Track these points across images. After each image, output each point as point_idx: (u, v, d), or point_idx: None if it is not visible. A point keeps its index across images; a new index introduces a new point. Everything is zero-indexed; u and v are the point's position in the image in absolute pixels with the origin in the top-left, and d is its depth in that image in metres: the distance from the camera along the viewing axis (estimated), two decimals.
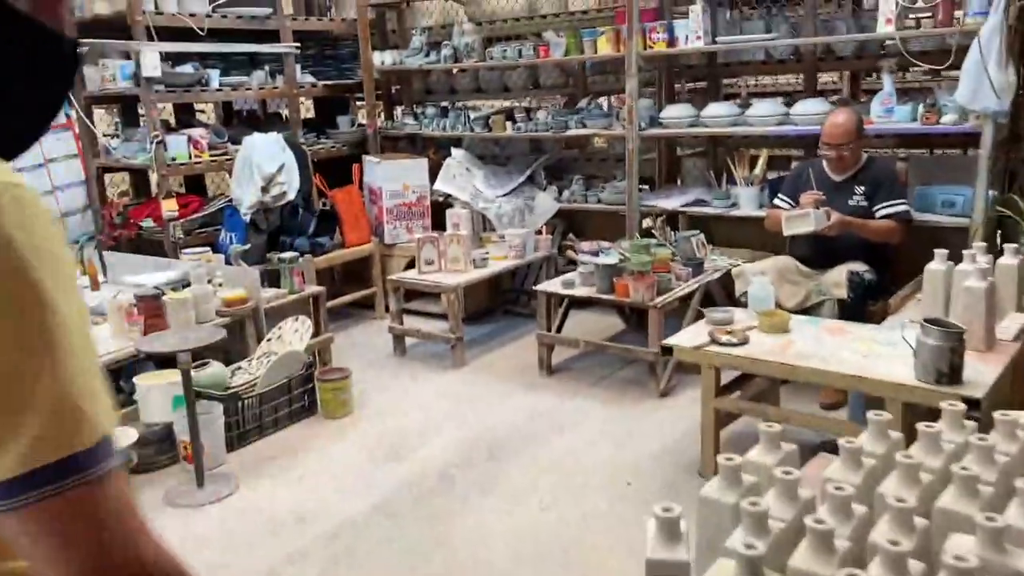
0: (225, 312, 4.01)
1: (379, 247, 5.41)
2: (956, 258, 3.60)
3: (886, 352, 2.87)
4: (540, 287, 4.29)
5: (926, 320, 2.62)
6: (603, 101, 5.29)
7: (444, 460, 3.48)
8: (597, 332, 4.78)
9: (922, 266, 3.95)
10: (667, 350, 3.18)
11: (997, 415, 1.85)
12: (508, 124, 5.42)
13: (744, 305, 3.79)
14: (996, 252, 3.43)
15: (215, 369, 3.72)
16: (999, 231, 3.90)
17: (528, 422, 3.79)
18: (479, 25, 5.84)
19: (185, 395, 3.27)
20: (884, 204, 3.80)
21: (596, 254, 4.34)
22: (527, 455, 3.48)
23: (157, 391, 3.59)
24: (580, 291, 4.16)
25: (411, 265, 5.07)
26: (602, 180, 5.39)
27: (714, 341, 3.11)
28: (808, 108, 4.38)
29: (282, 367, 3.85)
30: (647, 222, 4.86)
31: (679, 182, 5.40)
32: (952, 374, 2.56)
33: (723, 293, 4.33)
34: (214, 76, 5.27)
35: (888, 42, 4.50)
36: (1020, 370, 2.89)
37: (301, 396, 3.94)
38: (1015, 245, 3.29)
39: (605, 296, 4.05)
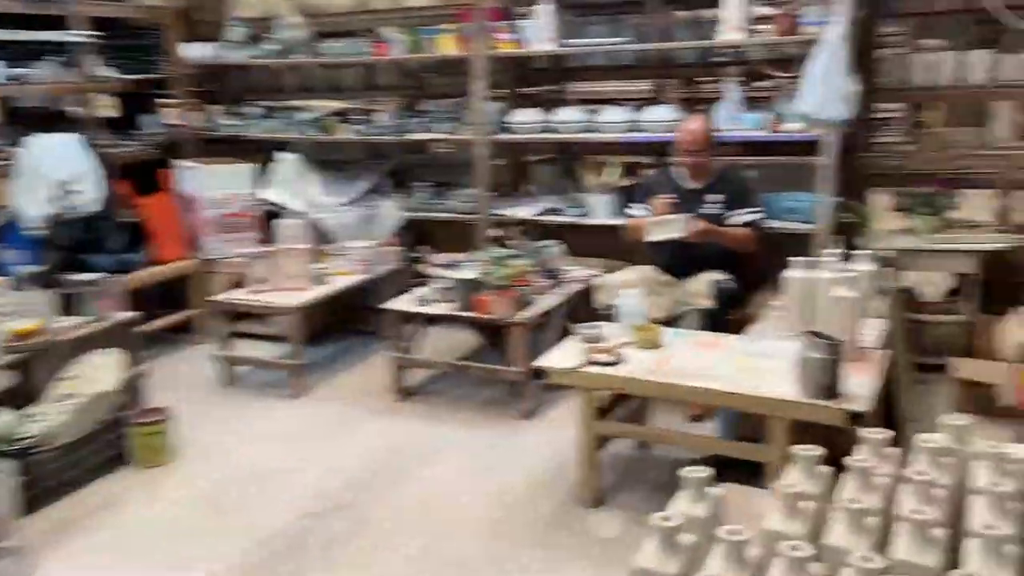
0: (14, 348, 3.33)
1: (199, 263, 4.81)
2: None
3: (761, 365, 2.79)
4: (392, 305, 3.93)
5: (807, 332, 2.55)
6: (446, 104, 5.00)
7: (291, 509, 3.04)
8: (453, 349, 4.49)
9: (769, 272, 4.00)
10: (539, 373, 2.95)
11: (919, 440, 1.75)
12: (344, 126, 5.00)
13: (608, 318, 3.65)
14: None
15: (1, 419, 3.06)
16: (840, 236, 4.01)
17: (385, 456, 3.43)
18: (308, 18, 5.36)
19: None
20: (741, 212, 3.79)
21: (451, 267, 4.05)
22: (387, 495, 3.12)
23: None
24: (436, 308, 3.84)
25: (239, 283, 4.54)
26: (449, 187, 5.10)
27: (589, 361, 2.91)
28: (658, 115, 4.33)
29: (88, 411, 3.25)
30: (492, 231, 4.62)
31: (529, 189, 5.21)
32: (834, 387, 2.50)
33: (582, 304, 4.17)
34: None
35: (729, 50, 4.57)
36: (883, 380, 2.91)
37: (111, 443, 3.34)
38: (868, 251, 3.36)
39: (464, 313, 3.76)
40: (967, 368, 3.50)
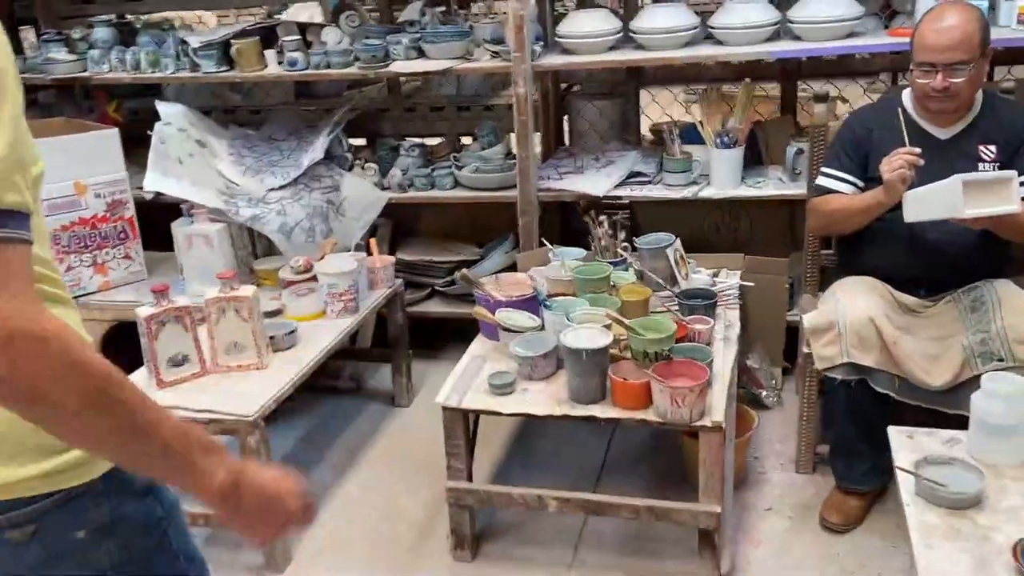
0: None
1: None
2: None
3: None
4: (445, 401, 2.07)
5: None
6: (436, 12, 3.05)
7: None
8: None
9: None
10: None
11: None
12: (268, 55, 2.97)
13: (832, 387, 2.04)
14: None
15: None
16: None
17: None
18: None
19: None
20: None
21: (532, 304, 2.24)
22: None
23: None
24: (532, 405, 2.02)
25: (121, 338, 2.57)
26: (449, 147, 3.22)
27: None
28: (820, 10, 2.62)
29: None
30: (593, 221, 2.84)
31: (583, 145, 3.34)
32: None
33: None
34: None
35: None
36: None
37: None
38: None
39: (599, 415, 1.97)
40: None
